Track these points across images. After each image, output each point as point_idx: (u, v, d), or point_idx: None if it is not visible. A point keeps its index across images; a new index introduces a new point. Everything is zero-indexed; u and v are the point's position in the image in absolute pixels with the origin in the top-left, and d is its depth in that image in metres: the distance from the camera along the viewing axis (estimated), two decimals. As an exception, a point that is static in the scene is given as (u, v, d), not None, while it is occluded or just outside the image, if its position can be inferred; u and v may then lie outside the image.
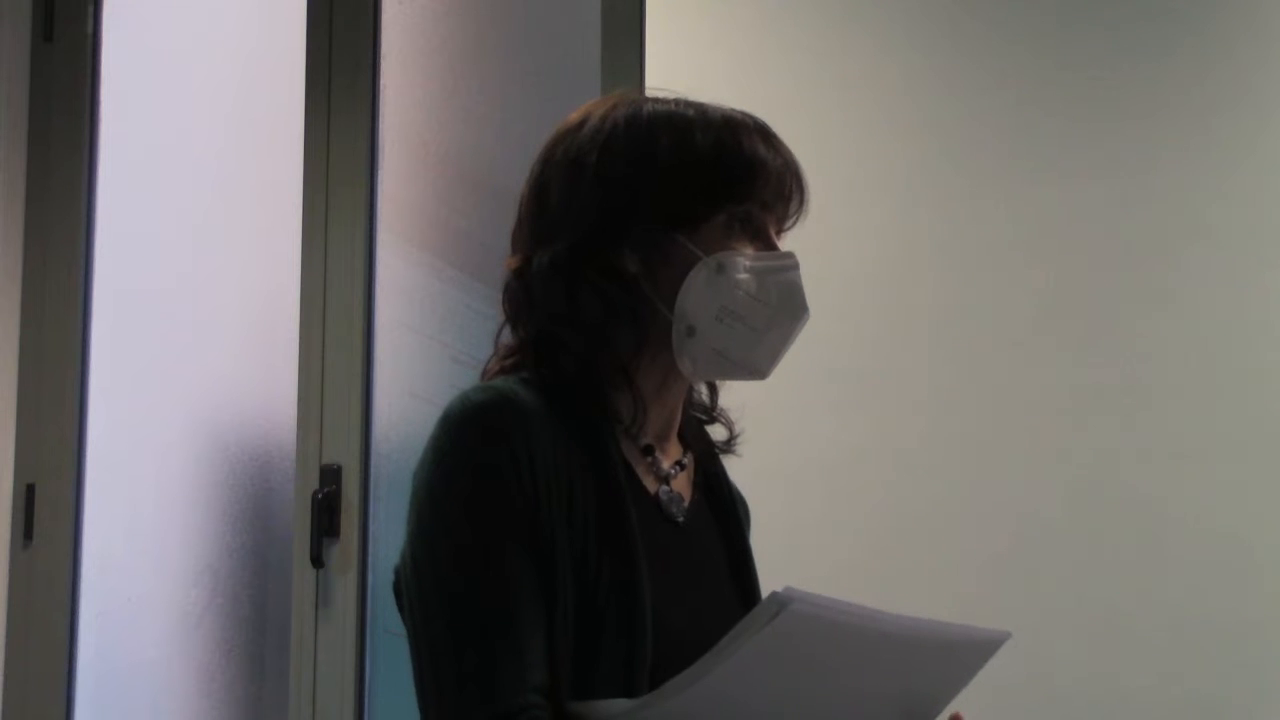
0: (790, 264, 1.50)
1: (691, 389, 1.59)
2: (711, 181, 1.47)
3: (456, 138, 3.43)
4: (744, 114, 1.52)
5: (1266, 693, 2.64)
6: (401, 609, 1.43)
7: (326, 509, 3.21)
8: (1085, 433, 2.77)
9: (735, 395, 1.62)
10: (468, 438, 1.40)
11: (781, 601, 1.24)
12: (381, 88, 3.37)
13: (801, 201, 1.53)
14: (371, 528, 3.24)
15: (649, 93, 1.55)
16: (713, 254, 1.47)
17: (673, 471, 1.53)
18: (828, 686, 1.33)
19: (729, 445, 1.61)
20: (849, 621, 1.29)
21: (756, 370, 1.53)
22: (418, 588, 1.39)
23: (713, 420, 1.61)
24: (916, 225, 2.89)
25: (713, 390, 1.62)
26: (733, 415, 1.62)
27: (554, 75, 3.39)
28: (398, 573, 1.43)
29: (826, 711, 1.34)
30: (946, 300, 2.86)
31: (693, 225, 1.47)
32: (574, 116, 1.53)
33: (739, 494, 1.64)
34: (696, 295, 1.47)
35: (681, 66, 2.95)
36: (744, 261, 1.47)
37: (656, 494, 1.50)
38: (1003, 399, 2.81)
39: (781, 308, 1.49)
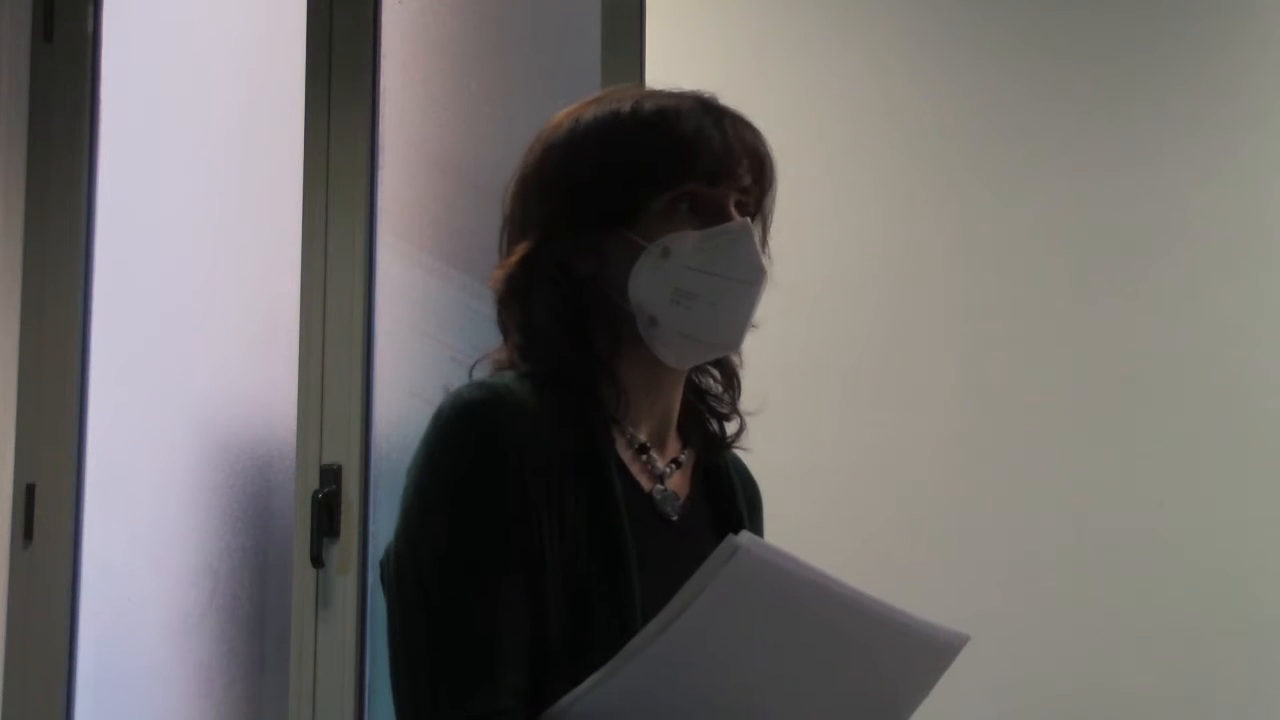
0: (736, 231, 1.46)
1: (699, 384, 1.58)
2: (635, 173, 1.46)
3: (456, 138, 3.43)
4: (684, 95, 1.50)
5: (1266, 693, 2.64)
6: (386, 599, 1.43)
7: (326, 509, 3.20)
8: (1089, 432, 2.76)
9: (742, 396, 1.60)
10: (457, 437, 1.40)
11: (734, 545, 1.23)
12: (381, 88, 3.37)
13: (762, 171, 1.51)
14: (371, 528, 3.24)
15: (616, 90, 1.53)
16: (656, 240, 1.46)
17: (668, 470, 1.52)
18: (784, 657, 1.31)
19: (730, 443, 1.59)
20: (804, 574, 1.28)
21: (725, 345, 1.52)
22: (398, 586, 1.40)
23: (725, 417, 1.59)
24: (920, 223, 2.88)
25: (729, 384, 1.59)
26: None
27: (554, 75, 3.39)
28: (383, 566, 1.43)
29: (782, 691, 1.33)
30: (953, 298, 2.85)
31: (631, 217, 1.46)
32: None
33: (753, 485, 1.63)
34: (646, 283, 1.46)
35: (681, 66, 2.95)
36: (689, 240, 1.46)
37: (651, 492, 1.49)
38: (1007, 397, 2.80)
39: (732, 275, 1.47)
